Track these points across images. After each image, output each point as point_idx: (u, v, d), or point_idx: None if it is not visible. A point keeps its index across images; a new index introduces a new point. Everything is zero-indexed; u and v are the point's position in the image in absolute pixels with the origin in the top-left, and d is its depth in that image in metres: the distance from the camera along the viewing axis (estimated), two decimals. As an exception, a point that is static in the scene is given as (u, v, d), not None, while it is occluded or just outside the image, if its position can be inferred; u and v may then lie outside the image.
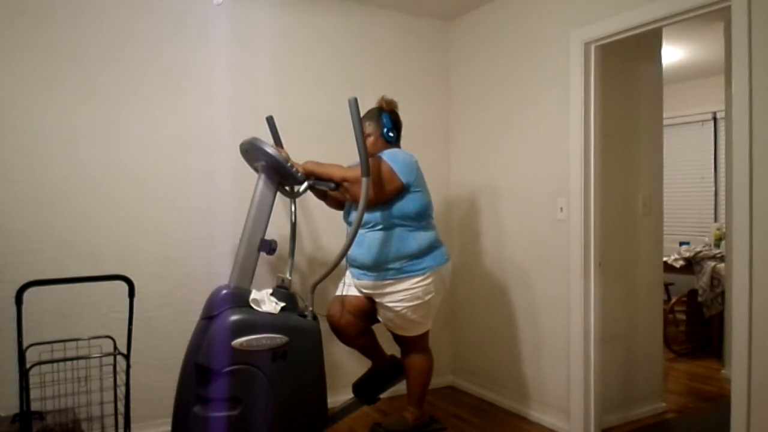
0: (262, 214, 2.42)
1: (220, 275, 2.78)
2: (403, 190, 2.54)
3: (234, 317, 2.24)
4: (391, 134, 2.66)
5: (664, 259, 3.80)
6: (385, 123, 2.65)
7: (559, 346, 3.05)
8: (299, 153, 2.76)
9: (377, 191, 2.48)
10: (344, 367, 3.34)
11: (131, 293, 2.33)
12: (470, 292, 3.66)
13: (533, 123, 3.18)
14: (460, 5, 3.53)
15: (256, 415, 2.24)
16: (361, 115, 2.49)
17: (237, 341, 2.21)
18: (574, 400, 2.95)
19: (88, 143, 2.75)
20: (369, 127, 2.64)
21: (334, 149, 3.09)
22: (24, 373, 2.15)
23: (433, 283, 2.59)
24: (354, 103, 2.30)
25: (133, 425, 2.49)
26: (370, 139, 2.63)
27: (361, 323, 2.69)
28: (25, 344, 2.17)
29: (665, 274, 3.64)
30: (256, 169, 2.54)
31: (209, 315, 2.29)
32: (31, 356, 2.24)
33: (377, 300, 2.63)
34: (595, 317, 2.90)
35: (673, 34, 4.03)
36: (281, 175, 2.47)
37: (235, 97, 3.10)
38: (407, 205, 2.55)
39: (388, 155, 2.56)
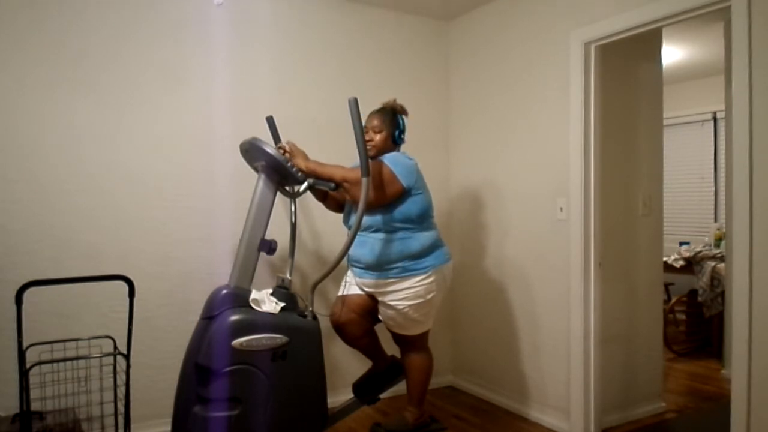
0: (262, 214, 2.42)
1: (220, 275, 2.78)
2: (403, 194, 2.55)
3: (234, 317, 2.24)
4: (401, 137, 2.71)
5: (664, 259, 3.80)
6: (400, 125, 2.69)
7: (559, 346, 3.05)
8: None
9: (378, 194, 2.48)
10: (344, 367, 3.34)
11: (131, 293, 2.33)
12: (470, 292, 3.66)
13: (533, 123, 3.18)
14: (460, 5, 3.53)
15: (256, 415, 2.24)
16: (364, 114, 2.51)
17: (237, 341, 2.21)
18: (574, 400, 2.95)
19: (88, 143, 2.75)
20: (383, 124, 2.66)
21: (334, 149, 3.09)
22: (24, 373, 2.15)
23: (435, 281, 2.60)
24: (354, 103, 2.30)
25: (133, 425, 2.49)
26: (383, 135, 2.65)
27: (363, 321, 2.69)
28: (25, 344, 2.17)
29: (665, 274, 3.64)
30: (256, 169, 2.54)
31: (209, 315, 2.29)
32: (31, 356, 2.24)
33: (379, 298, 2.64)
34: (595, 317, 2.90)
35: (673, 34, 4.03)
36: (281, 175, 2.47)
37: (235, 97, 3.10)
38: (409, 207, 2.56)
39: (389, 159, 2.57)
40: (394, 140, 2.69)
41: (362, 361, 2.94)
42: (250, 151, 2.47)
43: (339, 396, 3.13)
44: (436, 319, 2.89)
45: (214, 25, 3.03)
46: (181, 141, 2.96)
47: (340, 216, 2.83)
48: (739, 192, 2.23)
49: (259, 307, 2.32)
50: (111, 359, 2.51)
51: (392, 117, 2.69)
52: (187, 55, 2.97)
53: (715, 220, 5.47)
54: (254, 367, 2.24)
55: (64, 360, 2.38)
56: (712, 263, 4.44)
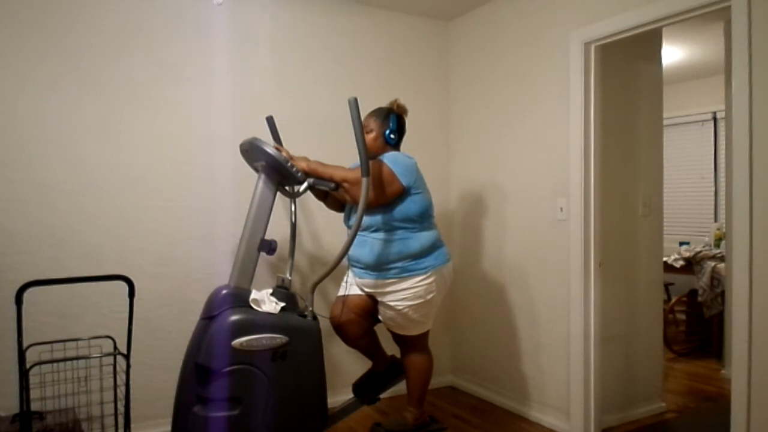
0: (262, 214, 2.42)
1: (220, 275, 2.78)
2: (403, 193, 2.55)
3: (234, 317, 2.24)
4: (392, 136, 2.67)
5: (664, 259, 3.80)
6: (390, 124, 2.66)
7: (559, 346, 3.05)
8: (299, 153, 2.76)
9: (378, 193, 2.48)
10: (344, 367, 3.34)
11: (131, 293, 2.33)
12: (470, 292, 3.66)
13: (533, 123, 3.18)
14: (459, 5, 3.53)
15: (256, 415, 2.24)
16: (364, 114, 2.50)
17: (237, 341, 2.21)
18: (574, 400, 2.95)
19: (88, 143, 2.75)
20: (373, 124, 2.66)
21: (335, 149, 3.09)
22: (24, 373, 2.15)
23: (434, 282, 2.60)
24: (354, 103, 2.29)
25: (133, 425, 2.49)
26: (372, 135, 2.64)
27: (363, 322, 2.69)
28: (25, 344, 2.17)
29: (665, 274, 3.64)
30: (256, 169, 2.54)
31: (209, 315, 2.29)
32: (31, 356, 2.24)
33: (379, 299, 2.64)
34: (595, 317, 2.90)
35: (673, 34, 4.03)
36: (281, 175, 2.47)
37: (235, 97, 3.10)
38: (409, 207, 2.56)
39: (388, 158, 2.56)
40: (387, 140, 2.67)
41: (362, 361, 2.94)
42: (250, 151, 2.47)
43: (339, 396, 3.13)
44: (436, 320, 2.89)
45: (214, 24, 3.03)
46: (182, 141, 2.96)
47: (340, 216, 2.83)
48: (739, 192, 2.23)
49: (259, 307, 2.32)
50: (111, 359, 2.51)
51: (384, 117, 2.67)
52: (187, 55, 2.97)
53: (715, 220, 5.47)
54: (254, 367, 2.24)
55: (64, 360, 2.38)
56: (712, 263, 4.44)
